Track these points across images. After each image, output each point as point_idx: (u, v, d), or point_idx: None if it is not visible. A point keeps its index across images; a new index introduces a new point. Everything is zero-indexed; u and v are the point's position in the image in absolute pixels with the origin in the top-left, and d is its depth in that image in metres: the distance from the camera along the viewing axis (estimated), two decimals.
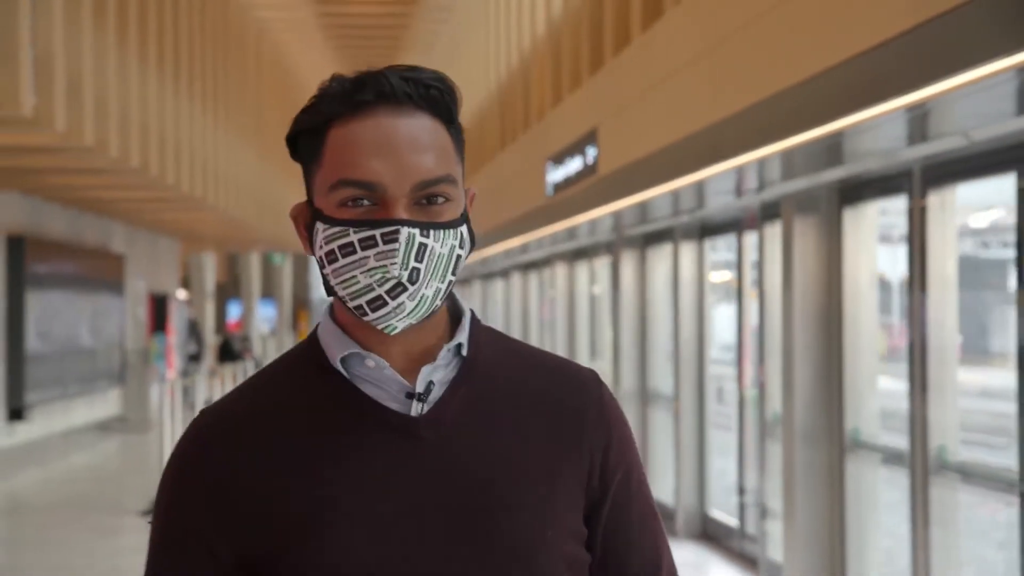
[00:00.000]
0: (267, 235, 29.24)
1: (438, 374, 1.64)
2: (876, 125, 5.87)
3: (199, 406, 14.81)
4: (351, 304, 1.60)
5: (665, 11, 9.17)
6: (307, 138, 1.62)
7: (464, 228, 1.63)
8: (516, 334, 19.38)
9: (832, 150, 6.81)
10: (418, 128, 1.60)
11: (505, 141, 18.45)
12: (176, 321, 26.27)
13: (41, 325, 17.55)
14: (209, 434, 1.65)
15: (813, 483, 7.86)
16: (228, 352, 32.09)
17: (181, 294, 29.39)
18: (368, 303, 1.58)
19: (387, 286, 1.57)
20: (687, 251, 10.92)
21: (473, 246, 1.67)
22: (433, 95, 1.61)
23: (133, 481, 14.95)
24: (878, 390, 7.77)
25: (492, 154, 19.76)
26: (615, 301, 12.53)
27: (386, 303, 1.57)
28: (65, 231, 19.14)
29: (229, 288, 42.19)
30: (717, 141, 7.59)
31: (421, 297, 1.58)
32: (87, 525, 11.94)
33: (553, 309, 16.65)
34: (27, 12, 10.70)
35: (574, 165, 11.58)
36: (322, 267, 1.62)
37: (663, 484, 11.58)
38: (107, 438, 20.55)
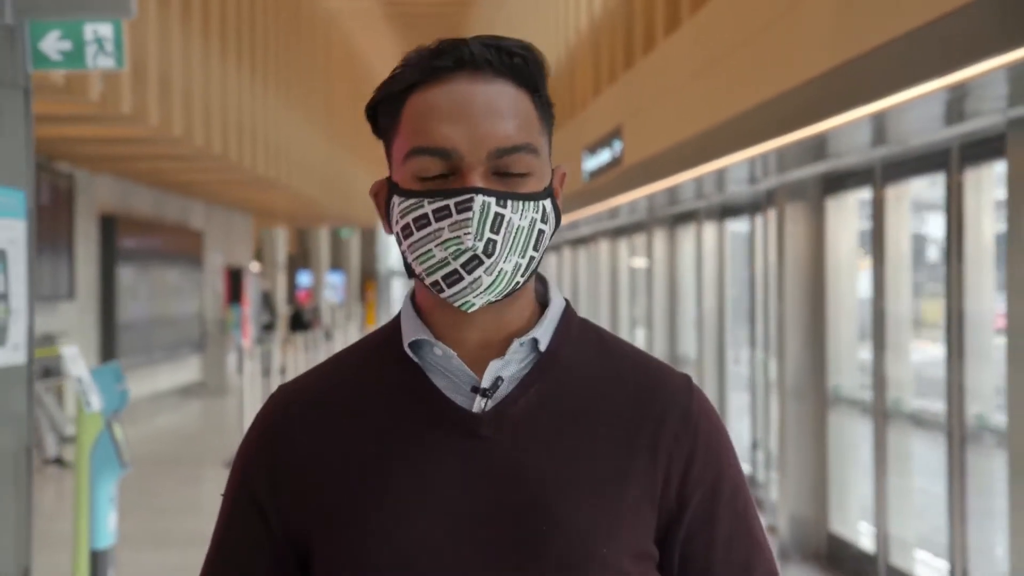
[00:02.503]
0: (335, 211, 30.70)
1: (509, 369, 1.55)
2: (851, 128, 7.09)
3: (273, 372, 16.27)
4: (428, 280, 1.52)
5: (682, 22, 10.49)
6: (386, 108, 1.56)
7: (548, 202, 1.53)
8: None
9: (818, 147, 8.07)
10: (498, 94, 1.52)
11: (558, 122, 19.76)
12: (251, 293, 27.77)
13: (129, 296, 19.09)
14: (280, 412, 1.62)
15: (802, 433, 9.19)
16: (298, 322, 33.69)
17: (254, 267, 30.92)
18: (444, 278, 1.50)
19: (463, 259, 1.48)
20: (709, 230, 12.22)
21: (559, 223, 1.57)
22: (517, 63, 1.53)
23: (212, 440, 16.45)
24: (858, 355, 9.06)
25: None
26: (649, 274, 13.87)
27: (462, 277, 1.49)
28: (150, 210, 20.66)
29: (299, 260, 43.69)
30: (718, 140, 8.90)
31: (499, 272, 1.49)
32: (175, 476, 13.39)
33: (598, 282, 17.98)
34: None
35: (604, 156, 12.96)
36: (399, 243, 1.55)
37: None
38: (188, 401, 22.07)
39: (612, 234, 16.68)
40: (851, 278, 9.01)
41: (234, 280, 26.76)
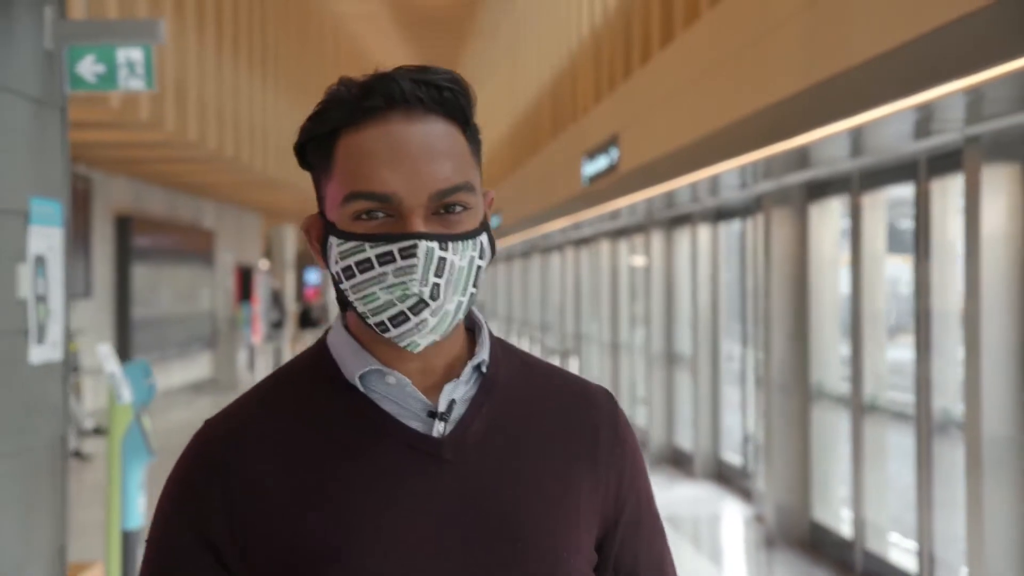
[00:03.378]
0: None
1: (459, 391, 1.56)
2: (831, 140, 7.57)
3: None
4: (372, 320, 1.51)
5: (675, 36, 11.01)
6: (316, 147, 1.54)
7: (483, 237, 1.54)
8: (568, 300, 21.24)
9: (801, 157, 8.57)
10: (432, 134, 1.51)
11: (556, 131, 20.37)
12: (261, 291, 28.29)
13: (143, 294, 19.63)
14: (216, 446, 1.55)
15: (786, 425, 9.70)
16: (307, 319, 34.23)
17: (263, 265, 31.45)
18: (390, 319, 1.50)
19: (409, 302, 1.48)
20: (704, 232, 12.73)
21: (493, 254, 1.58)
22: (447, 97, 1.52)
23: None
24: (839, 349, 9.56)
25: (545, 142, 21.69)
26: (647, 274, 14.39)
27: (408, 318, 1.49)
28: (163, 210, 21.20)
29: (307, 258, 44.23)
30: (709, 149, 9.41)
31: (444, 312, 1.50)
32: None
33: (599, 281, 18.50)
34: None
35: (602, 162, 13.50)
36: (338, 282, 1.54)
37: (684, 433, 13.45)
38: (200, 397, 22.59)
39: (613, 235, 17.20)
40: (833, 279, 9.52)
41: (244, 278, 27.29)
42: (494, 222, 30.86)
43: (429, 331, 1.50)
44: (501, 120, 30.61)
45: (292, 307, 36.13)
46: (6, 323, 5.71)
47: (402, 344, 1.51)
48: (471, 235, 1.52)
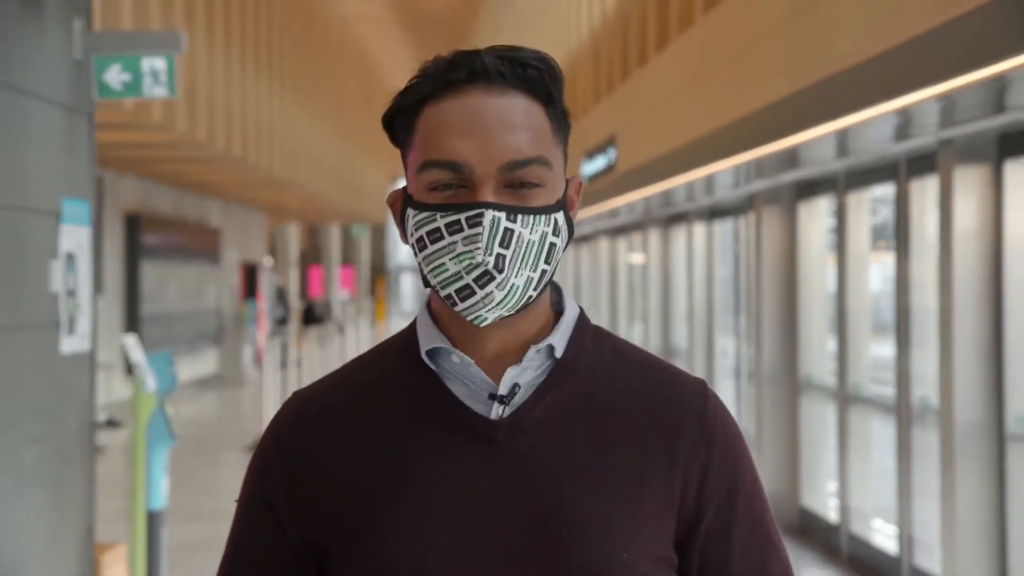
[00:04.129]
0: (346, 208, 31.64)
1: (526, 376, 1.56)
2: (818, 142, 7.95)
3: (290, 364, 17.17)
4: (442, 293, 1.52)
5: (671, 41, 11.41)
6: (401, 120, 1.56)
7: (559, 215, 1.53)
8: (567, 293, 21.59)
9: (790, 158, 8.96)
10: (511, 107, 1.52)
11: None
12: (265, 288, 28.67)
13: (151, 291, 20.02)
14: (296, 418, 1.62)
15: (776, 416, 10.09)
16: (311, 316, 34.65)
17: (268, 262, 31.84)
18: (457, 292, 1.51)
19: (474, 274, 1.49)
20: (699, 230, 13.12)
21: (571, 236, 1.58)
22: (531, 74, 1.53)
23: (230, 427, 17.37)
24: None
25: None
26: (644, 271, 14.79)
27: (474, 292, 1.50)
28: (171, 208, 21.58)
29: (311, 256, 44.64)
30: (702, 151, 9.80)
31: (511, 287, 1.50)
32: (197, 459, 14.28)
33: (598, 277, 18.89)
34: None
35: (600, 162, 13.91)
36: (415, 254, 1.55)
37: None
38: (206, 392, 22.93)
39: (612, 233, 17.59)
40: (821, 275, 9.91)
41: (249, 276, 27.65)
42: None
43: (496, 305, 1.50)
44: None
45: (296, 304, 36.51)
46: (40, 316, 6.11)
47: (469, 318, 1.52)
48: (543, 210, 1.51)
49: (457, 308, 1.52)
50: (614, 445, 1.54)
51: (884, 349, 9.16)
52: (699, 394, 1.59)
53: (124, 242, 19.02)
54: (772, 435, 10.11)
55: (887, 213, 9.28)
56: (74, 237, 6.41)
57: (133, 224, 19.13)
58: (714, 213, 12.83)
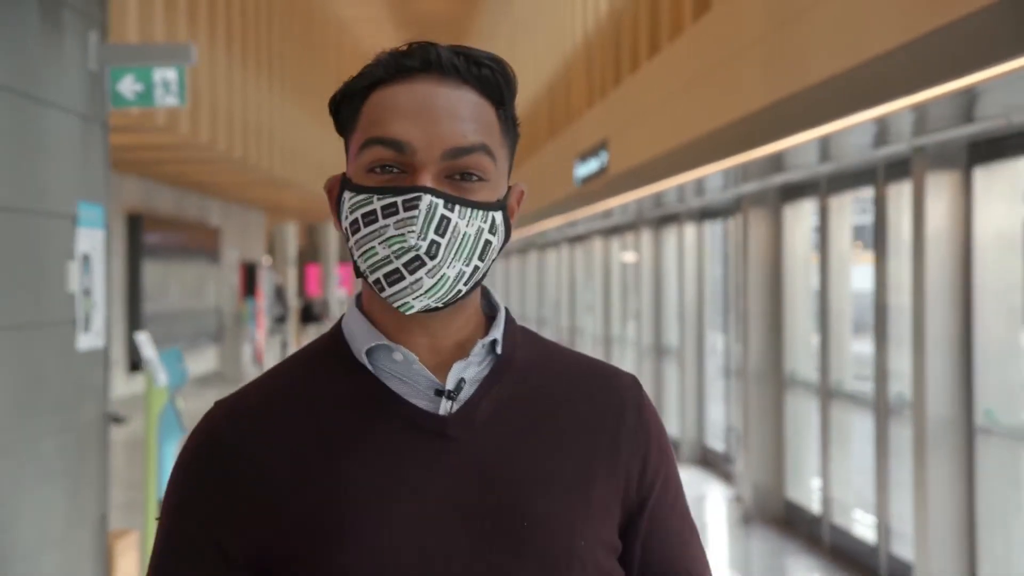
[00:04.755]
0: None
1: (470, 371, 1.55)
2: (802, 148, 8.28)
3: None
4: (370, 278, 1.50)
5: (662, 48, 11.75)
6: (348, 103, 1.54)
7: (498, 214, 1.51)
8: (563, 295, 21.97)
9: (776, 162, 9.30)
10: (460, 99, 1.50)
11: (552, 133, 21.15)
12: (265, 286, 28.98)
13: (153, 290, 20.34)
14: (225, 429, 1.54)
15: (763, 412, 10.44)
16: (309, 314, 34.98)
17: (266, 260, 32.16)
18: (386, 276, 1.48)
19: (405, 258, 1.46)
20: (689, 230, 13.47)
21: (507, 238, 1.55)
22: (484, 73, 1.52)
23: None
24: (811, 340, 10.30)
25: (541, 144, 22.47)
26: (637, 270, 15.13)
27: (403, 277, 1.47)
28: (171, 208, 21.91)
29: (308, 254, 44.92)
30: (691, 155, 10.15)
31: (441, 276, 1.47)
32: None
33: (592, 278, 19.24)
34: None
35: (593, 165, 14.27)
36: (346, 239, 1.52)
37: (671, 421, 14.20)
38: (207, 390, 23.21)
39: (605, 233, 17.93)
40: (805, 275, 10.25)
41: (249, 274, 27.96)
42: None
43: (424, 292, 1.48)
44: None
45: (295, 302, 36.83)
46: (58, 314, 6.45)
47: (395, 304, 1.49)
48: (482, 205, 1.49)
49: (384, 294, 1.49)
50: (561, 436, 1.55)
51: (866, 346, 9.50)
52: (635, 386, 1.61)
53: (126, 242, 19.35)
54: (758, 430, 10.46)
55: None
56: (89, 239, 6.75)
57: (135, 224, 19.45)
58: (704, 214, 13.17)
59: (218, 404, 1.58)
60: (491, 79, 1.53)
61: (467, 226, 1.48)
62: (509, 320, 1.61)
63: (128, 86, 6.75)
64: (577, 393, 1.59)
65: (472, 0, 27.64)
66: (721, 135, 9.42)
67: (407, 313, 1.50)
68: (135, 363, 19.60)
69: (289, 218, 36.03)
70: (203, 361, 24.17)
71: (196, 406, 19.89)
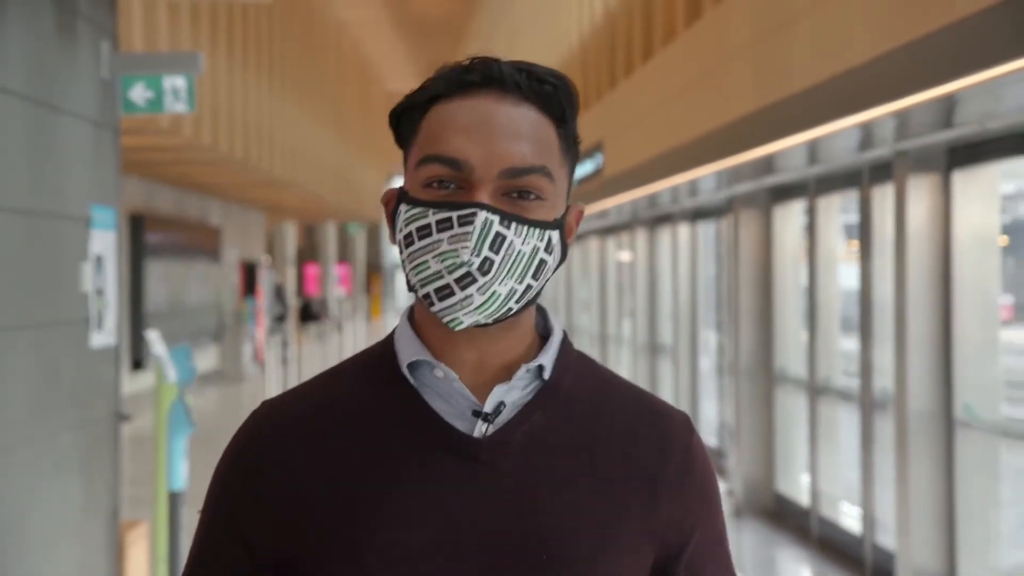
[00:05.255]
0: (343, 208, 32.23)
1: (512, 395, 1.51)
2: (791, 150, 8.53)
3: (290, 360, 17.73)
4: (420, 292, 1.47)
5: (655, 52, 12.03)
6: (408, 117, 1.52)
7: (555, 233, 1.49)
8: (560, 293, 22.23)
9: (766, 165, 9.56)
10: (521, 116, 1.48)
11: None
12: (264, 285, 29.22)
13: (155, 289, 20.59)
14: (266, 431, 1.56)
15: (753, 407, 10.71)
16: (307, 313, 35.23)
17: (266, 259, 32.40)
18: (436, 291, 1.46)
19: (457, 274, 1.44)
20: (683, 230, 13.74)
21: (564, 258, 1.53)
22: (546, 90, 1.50)
23: (231, 422, 17.85)
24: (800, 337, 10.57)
25: None
26: (632, 269, 15.41)
27: (453, 292, 1.45)
28: (172, 208, 22.16)
29: (307, 254, 45.17)
30: (683, 157, 10.42)
31: (492, 293, 1.45)
32: (203, 449, 14.87)
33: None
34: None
35: (588, 167, 14.56)
36: (400, 252, 1.50)
37: None
38: (207, 388, 23.45)
39: (601, 232, 18.21)
40: (794, 274, 10.53)
41: (249, 274, 28.20)
42: None
43: (473, 309, 1.46)
44: None
45: (294, 302, 37.08)
46: (72, 313, 6.71)
47: (444, 319, 1.47)
48: (539, 224, 1.48)
49: (434, 308, 1.48)
50: (598, 472, 1.51)
51: (855, 343, 9.77)
52: (685, 427, 1.57)
53: (129, 241, 19.60)
54: (749, 425, 10.73)
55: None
56: (102, 241, 7.01)
57: (137, 224, 19.70)
58: (697, 214, 13.44)
59: (265, 404, 1.59)
60: (553, 95, 1.51)
61: (523, 244, 1.46)
62: (565, 344, 1.57)
63: (139, 93, 7.01)
64: (622, 429, 1.54)
65: (471, 3, 27.90)
66: (713, 138, 9.69)
67: (456, 329, 1.48)
68: (138, 361, 19.85)
69: (288, 218, 36.28)
70: (204, 359, 24.39)
71: (197, 403, 20.09)
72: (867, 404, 8.41)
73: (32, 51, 6.19)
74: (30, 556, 6.12)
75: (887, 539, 8.17)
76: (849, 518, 9.20)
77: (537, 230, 1.47)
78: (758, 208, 10.72)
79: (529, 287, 1.48)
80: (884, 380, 8.34)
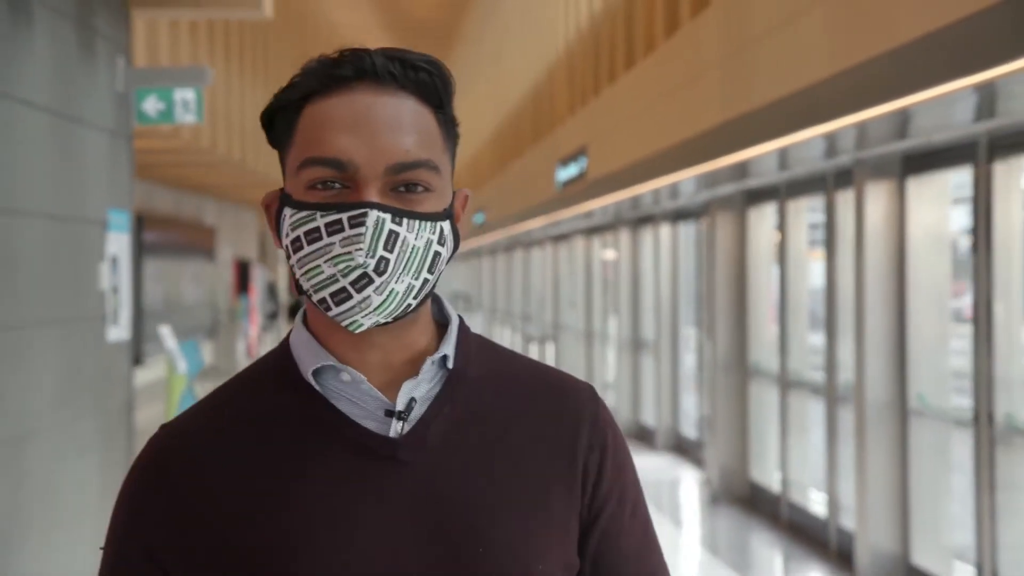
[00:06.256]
0: None
1: (421, 389, 1.49)
2: (764, 157, 9.06)
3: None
4: (315, 298, 1.44)
5: (637, 61, 12.58)
6: (282, 117, 1.48)
7: (446, 224, 1.47)
8: (547, 291, 22.77)
9: (742, 169, 10.09)
10: (399, 108, 1.45)
11: (536, 138, 22.01)
12: (257, 283, 29.71)
13: (153, 287, 21.07)
14: (168, 455, 1.49)
15: (729, 399, 11.27)
16: (297, 311, 35.61)
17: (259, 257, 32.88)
18: (332, 296, 1.43)
19: (352, 276, 1.41)
20: (664, 231, 14.30)
21: (456, 247, 1.50)
22: (422, 77, 1.46)
23: None
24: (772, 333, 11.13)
25: (526, 147, 23.32)
26: (615, 268, 15.96)
27: (351, 296, 1.42)
28: (170, 208, 22.67)
29: None
30: (659, 163, 10.97)
31: (390, 292, 1.42)
32: None
33: (575, 274, 20.05)
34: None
35: (573, 169, 15.12)
36: (288, 257, 1.47)
37: (648, 411, 15.04)
38: (202, 384, 23.93)
39: (587, 232, 18.75)
40: (767, 273, 11.09)
41: (242, 272, 28.68)
42: (477, 219, 31.62)
43: (373, 310, 1.43)
44: (487, 123, 32.23)
45: (285, 299, 37.54)
46: (90, 310, 7.25)
47: (344, 323, 1.44)
48: (430, 217, 1.45)
49: (331, 313, 1.44)
50: (517, 457, 1.50)
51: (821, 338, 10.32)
52: (591, 397, 1.56)
53: (130, 241, 20.08)
54: (725, 416, 11.28)
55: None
56: (117, 242, 7.55)
57: (137, 224, 20.18)
58: (678, 216, 13.99)
59: (163, 428, 1.53)
60: (429, 83, 1.48)
61: (416, 239, 1.44)
62: (463, 331, 1.56)
63: (151, 105, 7.54)
64: (533, 407, 1.53)
65: (460, 6, 28.45)
66: (690, 145, 10.23)
67: (356, 331, 1.45)
68: (136, 356, 20.31)
69: None
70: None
71: (191, 400, 20.54)
72: (832, 396, 8.97)
73: (55, 67, 6.72)
74: (56, 534, 6.64)
75: (850, 521, 8.73)
76: (817, 504, 9.76)
77: (429, 223, 1.45)
78: (734, 210, 11.27)
79: (426, 281, 1.47)
80: (848, 374, 8.90)
